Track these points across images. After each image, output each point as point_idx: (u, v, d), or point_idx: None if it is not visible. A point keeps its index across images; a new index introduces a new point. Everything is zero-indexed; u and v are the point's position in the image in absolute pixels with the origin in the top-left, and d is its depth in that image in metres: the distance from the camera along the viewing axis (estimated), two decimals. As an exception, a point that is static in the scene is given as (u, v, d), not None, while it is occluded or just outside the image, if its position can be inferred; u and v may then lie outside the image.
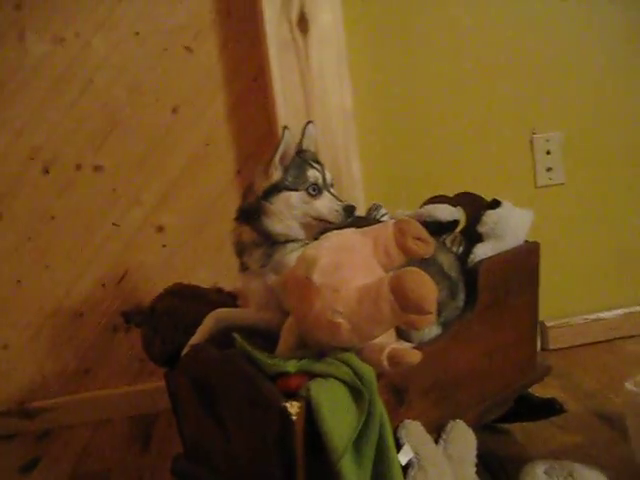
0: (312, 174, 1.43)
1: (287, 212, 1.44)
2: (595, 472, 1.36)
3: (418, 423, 1.32)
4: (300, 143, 1.50)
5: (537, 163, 2.23)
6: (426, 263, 1.39)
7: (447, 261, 1.49)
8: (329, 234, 1.29)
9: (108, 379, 2.17)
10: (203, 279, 2.06)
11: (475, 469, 1.36)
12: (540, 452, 1.62)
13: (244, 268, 1.52)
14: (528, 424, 1.73)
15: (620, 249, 2.31)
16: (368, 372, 1.15)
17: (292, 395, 1.13)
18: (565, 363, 2.16)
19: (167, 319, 1.48)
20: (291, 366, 1.17)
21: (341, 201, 1.44)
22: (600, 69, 2.24)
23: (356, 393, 1.15)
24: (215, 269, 2.11)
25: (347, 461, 1.11)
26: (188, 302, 1.53)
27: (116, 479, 1.78)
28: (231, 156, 2.09)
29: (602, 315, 2.31)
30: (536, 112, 2.22)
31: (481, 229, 1.58)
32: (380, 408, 1.15)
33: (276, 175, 1.45)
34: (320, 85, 1.96)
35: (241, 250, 1.54)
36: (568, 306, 2.30)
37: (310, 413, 1.11)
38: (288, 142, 1.44)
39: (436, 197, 1.80)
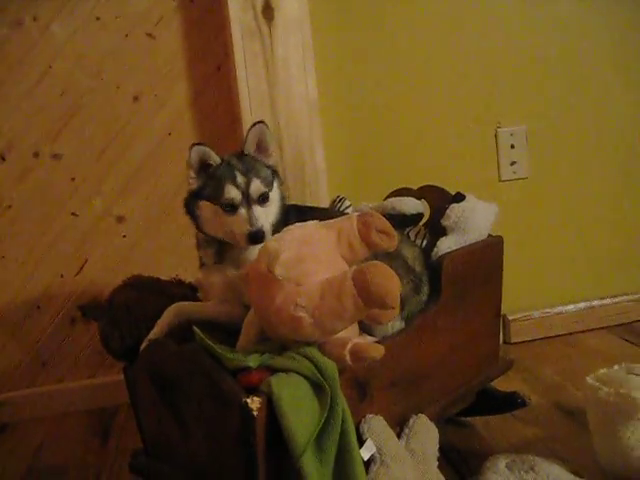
0: (228, 191, 1.37)
1: (210, 221, 1.42)
2: (556, 466, 1.37)
3: (381, 418, 1.31)
4: (243, 147, 1.45)
5: (501, 157, 2.24)
6: (390, 257, 1.38)
7: (411, 254, 1.48)
8: (291, 227, 1.27)
9: (66, 372, 2.12)
10: (165, 270, 2.02)
11: (437, 463, 1.36)
12: (502, 446, 1.62)
13: (202, 263, 1.50)
14: (490, 417, 1.74)
15: (582, 243, 2.34)
16: (330, 367, 1.14)
17: (253, 390, 1.11)
18: (526, 356, 2.18)
19: (125, 313, 1.44)
20: (252, 361, 1.15)
21: (254, 224, 1.35)
22: (564, 62, 2.25)
23: (318, 388, 1.13)
24: (177, 260, 2.08)
25: (308, 458, 1.10)
26: (147, 295, 1.49)
27: (74, 474, 1.74)
28: (194, 146, 2.05)
29: (563, 309, 2.34)
30: (501, 105, 2.22)
31: (445, 222, 1.58)
32: (342, 403, 1.14)
33: (194, 184, 1.43)
34: (285, 74, 1.93)
35: (198, 245, 1.52)
36: (530, 300, 2.32)
37: (271, 409, 1.09)
38: (197, 156, 1.39)
39: (400, 190, 1.79)
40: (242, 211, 1.37)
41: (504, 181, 2.25)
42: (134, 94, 2.03)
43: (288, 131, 1.94)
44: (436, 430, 1.40)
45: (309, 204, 1.81)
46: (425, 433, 1.38)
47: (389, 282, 1.09)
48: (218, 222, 1.41)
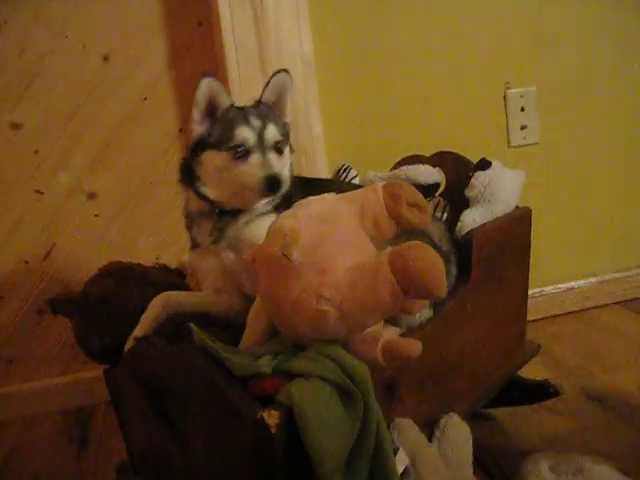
0: (240, 132, 1.20)
1: (214, 176, 1.23)
2: (605, 467, 1.21)
3: (411, 421, 1.13)
4: (261, 94, 1.28)
5: (510, 121, 2.04)
6: (414, 234, 1.19)
7: (437, 231, 1.29)
8: (305, 201, 1.07)
9: (35, 370, 1.90)
10: (143, 253, 1.83)
11: (472, 469, 1.19)
12: (533, 441, 1.47)
13: (195, 244, 1.29)
14: (516, 408, 1.57)
15: (594, 214, 2.17)
16: (360, 369, 0.95)
17: (268, 401, 0.92)
18: (541, 336, 2.00)
19: (104, 307, 1.23)
20: (265, 365, 0.95)
21: (271, 168, 1.19)
22: (577, 20, 2.06)
23: (347, 396, 0.94)
24: (156, 241, 1.87)
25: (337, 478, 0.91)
26: (128, 285, 1.29)
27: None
28: (172, 112, 1.82)
29: (575, 284, 2.18)
30: (510, 64, 2.03)
31: (469, 193, 1.39)
32: (377, 413, 0.95)
33: (198, 129, 1.25)
34: (276, 29, 1.70)
35: (190, 222, 1.31)
36: (540, 275, 2.14)
37: (292, 423, 0.90)
38: (207, 92, 1.22)
39: (411, 157, 1.60)
40: (255, 157, 1.20)
41: (514, 147, 2.06)
42: (103, 54, 1.77)
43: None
44: (469, 431, 1.24)
45: (309, 176, 1.60)
46: (458, 435, 1.22)
47: (434, 268, 0.90)
48: (226, 173, 1.21)
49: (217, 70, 1.80)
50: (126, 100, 1.80)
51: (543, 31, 2.04)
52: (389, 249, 0.93)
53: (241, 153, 1.20)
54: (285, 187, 1.20)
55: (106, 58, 1.77)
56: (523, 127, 2.05)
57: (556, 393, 1.49)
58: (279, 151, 1.23)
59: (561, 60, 2.06)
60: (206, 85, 1.22)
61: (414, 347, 0.96)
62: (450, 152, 1.56)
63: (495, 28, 2.00)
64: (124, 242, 1.85)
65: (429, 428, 1.21)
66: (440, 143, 1.62)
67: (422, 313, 1.19)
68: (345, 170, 1.54)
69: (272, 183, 1.17)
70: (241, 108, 1.24)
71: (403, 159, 1.60)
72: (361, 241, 1.01)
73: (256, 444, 0.91)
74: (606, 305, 2.19)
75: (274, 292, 0.98)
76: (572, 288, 2.17)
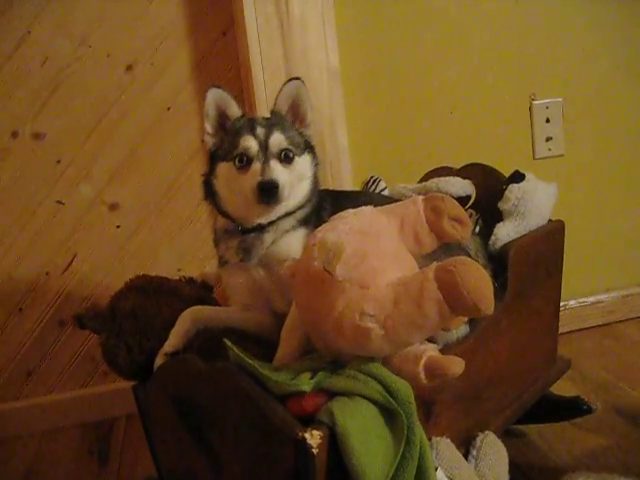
0: (243, 141, 1.17)
1: (226, 188, 1.21)
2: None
3: (448, 441, 1.10)
4: (274, 104, 1.25)
5: (536, 132, 2.02)
6: (451, 248, 1.17)
7: (473, 245, 1.27)
8: (344, 214, 1.05)
9: (54, 382, 1.87)
10: (164, 264, 1.81)
11: (509, 488, 1.16)
12: (565, 459, 1.44)
13: (222, 261, 1.26)
14: (544, 425, 1.54)
15: (621, 227, 2.14)
16: (403, 388, 0.92)
17: (308, 420, 0.89)
18: (566, 350, 1.95)
19: (132, 322, 1.20)
20: (305, 383, 0.92)
21: (266, 174, 1.14)
22: (603, 31, 2.03)
23: (390, 415, 0.91)
24: (178, 252, 1.85)
25: (382, 502, 0.88)
26: (156, 299, 1.25)
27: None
28: (195, 122, 1.79)
29: (599, 298, 2.14)
30: (536, 76, 2.00)
31: (503, 206, 1.37)
32: (420, 433, 0.92)
33: (211, 142, 1.24)
34: (302, 39, 1.68)
35: (217, 239, 1.29)
36: (564, 289, 2.11)
37: (334, 444, 0.87)
38: (214, 103, 1.21)
39: (440, 169, 1.58)
40: (256, 164, 1.16)
41: (538, 159, 2.04)
42: (127, 63, 1.76)
43: (308, 103, 1.70)
44: (505, 449, 1.21)
45: (334, 188, 1.57)
46: (494, 454, 1.19)
47: (484, 284, 0.87)
48: (232, 184, 1.19)
49: (241, 80, 1.78)
50: (149, 110, 1.78)
51: (569, 42, 2.01)
52: (434, 264, 0.91)
53: (243, 163, 1.16)
54: (284, 195, 1.15)
55: (129, 67, 1.75)
56: (548, 139, 2.03)
57: (589, 410, 1.46)
58: (287, 159, 1.18)
59: (587, 71, 2.03)
60: (213, 96, 1.21)
61: (457, 364, 0.93)
62: (480, 164, 1.54)
63: (521, 39, 1.97)
64: (145, 254, 1.82)
65: (464, 446, 1.18)
66: (465, 155, 1.61)
67: (459, 329, 1.16)
68: (374, 182, 1.52)
69: (267, 190, 1.12)
70: (251, 118, 1.22)
71: (432, 171, 1.58)
72: (403, 255, 0.98)
73: (296, 465, 0.88)
74: (630, 319, 2.16)
75: (314, 308, 0.95)
76: (597, 302, 2.14)
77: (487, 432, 1.20)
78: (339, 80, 1.74)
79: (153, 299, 1.24)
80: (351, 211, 1.05)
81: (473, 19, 1.93)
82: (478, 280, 0.87)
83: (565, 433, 1.53)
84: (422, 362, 0.93)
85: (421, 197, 1.04)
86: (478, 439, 1.18)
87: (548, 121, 2.02)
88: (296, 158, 1.20)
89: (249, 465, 0.97)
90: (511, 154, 2.01)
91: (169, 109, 1.79)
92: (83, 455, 1.71)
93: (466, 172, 1.53)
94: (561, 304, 2.05)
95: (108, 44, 1.74)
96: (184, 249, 1.84)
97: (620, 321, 2.15)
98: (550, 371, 1.47)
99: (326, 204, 1.29)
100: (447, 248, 1.12)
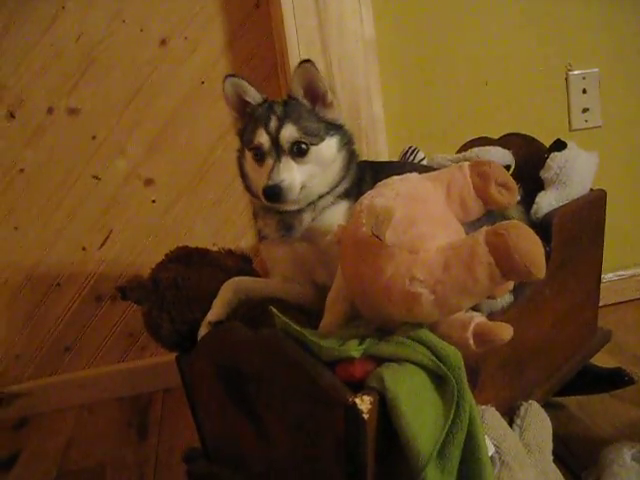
0: (257, 135, 1.16)
1: (250, 174, 1.22)
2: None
3: (494, 409, 1.10)
4: (290, 89, 1.22)
5: (572, 103, 1.98)
6: (493, 216, 1.15)
7: (516, 214, 1.25)
8: (389, 180, 1.04)
9: (92, 357, 1.89)
10: (199, 239, 1.81)
11: (552, 458, 1.15)
12: (607, 431, 1.42)
13: (262, 236, 1.26)
14: (583, 397, 1.52)
15: (659, 199, 2.10)
16: (453, 354, 0.91)
17: (358, 386, 0.89)
18: (605, 323, 1.95)
19: (175, 292, 1.20)
20: (354, 349, 0.92)
21: (273, 177, 1.12)
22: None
23: (440, 381, 0.91)
24: (213, 228, 1.85)
25: (431, 468, 0.87)
26: (198, 270, 1.25)
27: (112, 476, 1.51)
28: (230, 96, 1.79)
29: (638, 271, 2.11)
30: (572, 46, 1.96)
31: (545, 174, 1.35)
32: (470, 398, 0.91)
33: (237, 125, 1.24)
34: (337, 8, 1.66)
35: (255, 215, 1.28)
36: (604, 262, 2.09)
37: (384, 409, 0.87)
38: (231, 91, 1.21)
39: (479, 139, 1.56)
40: (268, 161, 1.15)
41: (575, 130, 2.00)
42: (161, 37, 1.75)
43: (342, 75, 1.68)
44: (548, 419, 1.19)
45: (373, 159, 1.56)
46: (539, 424, 1.18)
47: (536, 248, 0.86)
48: (253, 175, 1.20)
49: (275, 53, 1.77)
50: (183, 84, 1.77)
51: (605, 12, 1.97)
52: (484, 228, 0.90)
53: (258, 157, 1.17)
54: (290, 196, 1.13)
55: (163, 42, 1.75)
56: (585, 110, 1.99)
57: (631, 381, 1.44)
58: (300, 152, 1.15)
59: (624, 41, 1.99)
60: (229, 85, 1.21)
61: (506, 330, 0.92)
62: (519, 134, 1.52)
63: (556, 10, 1.93)
64: (181, 228, 1.83)
65: (508, 415, 1.17)
66: (501, 126, 1.58)
67: (503, 298, 1.15)
68: (413, 152, 1.50)
69: (271, 195, 1.11)
70: (269, 105, 1.20)
71: (471, 141, 1.56)
72: (450, 221, 0.97)
73: (346, 431, 0.88)
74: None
75: (362, 274, 0.95)
76: (635, 275, 2.11)
77: (531, 401, 1.19)
78: (374, 50, 1.72)
79: (195, 270, 1.25)
80: (396, 178, 1.04)
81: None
82: (530, 243, 0.86)
83: (605, 405, 1.51)
84: (471, 328, 0.93)
85: (467, 163, 1.03)
86: (522, 408, 1.17)
87: (585, 92, 1.98)
88: (312, 148, 1.16)
89: (296, 433, 0.97)
90: (547, 125, 1.97)
91: (203, 83, 1.78)
92: (122, 428, 1.73)
93: (505, 142, 1.51)
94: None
95: (141, 19, 1.74)
96: (219, 224, 1.84)
97: (657, 295, 2.12)
98: (591, 342, 1.46)
99: (366, 176, 1.27)
100: (490, 216, 1.10)
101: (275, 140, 1.15)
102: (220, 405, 1.12)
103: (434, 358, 0.91)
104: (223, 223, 1.83)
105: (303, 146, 1.16)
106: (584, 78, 1.97)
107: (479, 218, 1.03)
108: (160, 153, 1.80)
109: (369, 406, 0.86)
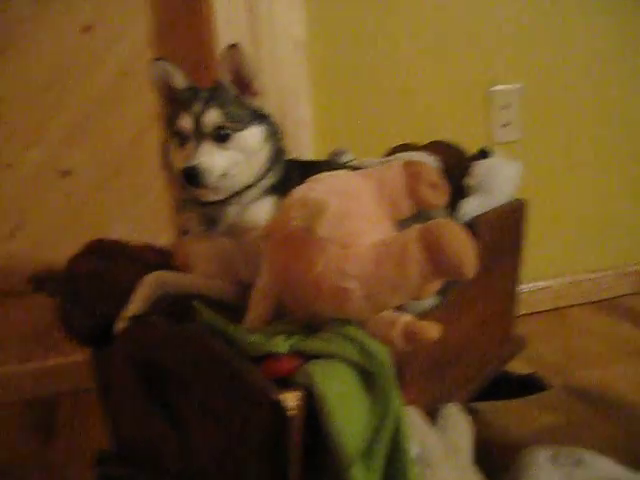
0: (181, 118, 1.13)
1: (173, 159, 1.19)
2: (606, 459, 1.20)
3: (417, 410, 1.09)
4: (219, 74, 1.19)
5: (494, 117, 2.04)
6: (420, 219, 1.16)
7: (443, 217, 1.25)
8: (320, 176, 1.03)
9: (-4, 356, 1.78)
10: (117, 234, 1.71)
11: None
12: (522, 435, 1.45)
13: (184, 231, 1.23)
14: (499, 402, 1.55)
15: (571, 214, 2.18)
16: (381, 351, 0.91)
17: (284, 383, 0.86)
18: (519, 332, 2.01)
19: (91, 285, 1.14)
20: (281, 345, 0.90)
21: (191, 160, 1.10)
22: (561, 17, 2.06)
23: (368, 378, 0.90)
24: (131, 223, 1.77)
25: (358, 468, 0.86)
26: (117, 263, 1.20)
27: (18, 477, 1.42)
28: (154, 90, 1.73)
29: (549, 283, 2.19)
30: (495, 61, 2.01)
31: (470, 181, 1.37)
32: (397, 397, 0.90)
33: (164, 113, 1.21)
34: (268, 10, 1.64)
35: (178, 208, 1.25)
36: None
37: (311, 406, 0.85)
38: (157, 75, 1.19)
39: (404, 145, 1.57)
40: (189, 145, 1.13)
41: (497, 143, 2.04)
42: (84, 24, 1.67)
43: (271, 76, 1.66)
44: (469, 422, 1.21)
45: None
46: (460, 425, 1.19)
47: (467, 247, 0.87)
48: (176, 160, 1.16)
49: (202, 49, 1.73)
50: (106, 74, 1.70)
51: (527, 28, 2.03)
52: (416, 226, 0.90)
53: (180, 141, 1.14)
54: (209, 179, 1.10)
55: (87, 28, 1.67)
56: (506, 124, 2.05)
57: (544, 387, 1.48)
58: (222, 137, 1.13)
59: (544, 58, 2.06)
60: (156, 69, 1.18)
61: (434, 329, 0.93)
62: (444, 141, 1.54)
63: (481, 24, 1.98)
64: (97, 224, 1.74)
65: (430, 417, 1.17)
66: (426, 136, 1.60)
67: (428, 299, 1.16)
68: (341, 154, 1.49)
69: (190, 176, 1.09)
70: (193, 91, 1.17)
71: (397, 146, 1.57)
72: (382, 219, 0.97)
73: (272, 429, 0.86)
74: (577, 305, 2.21)
75: (292, 268, 0.93)
76: (546, 287, 2.18)
77: (451, 404, 1.20)
78: (304, 52, 1.71)
79: (113, 263, 1.19)
80: (327, 174, 1.03)
81: (436, 9, 1.92)
82: (462, 242, 0.86)
83: (518, 411, 1.54)
84: (398, 326, 0.93)
85: (398, 162, 1.03)
86: (444, 410, 1.18)
87: (506, 106, 2.04)
88: (235, 134, 1.14)
89: (220, 432, 0.94)
90: (469, 138, 2.00)
91: (126, 74, 1.71)
92: (26, 432, 1.63)
93: (431, 148, 1.52)
94: (513, 288, 2.13)
95: (65, 2, 1.66)
96: (138, 220, 1.77)
97: (568, 306, 2.20)
98: (508, 348, 1.49)
99: (294, 174, 1.26)
100: (417, 217, 1.11)
101: (198, 124, 1.12)
102: (137, 403, 1.07)
103: (363, 355, 0.90)
104: (142, 219, 1.76)
105: (225, 132, 1.13)
106: (506, 93, 2.03)
107: (406, 219, 1.03)
108: (79, 144, 1.72)
109: (296, 402, 0.84)
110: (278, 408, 0.83)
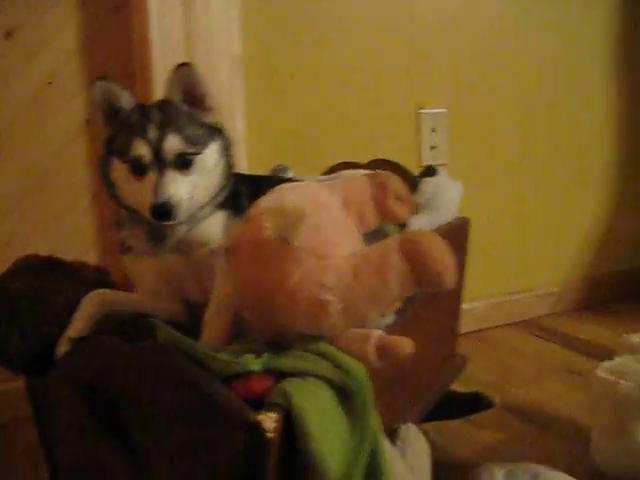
0: (135, 147, 1.06)
1: (126, 187, 1.10)
2: (560, 473, 1.21)
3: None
4: (166, 92, 1.13)
5: (422, 140, 2.07)
6: (376, 235, 1.14)
7: (395, 233, 1.24)
8: (284, 186, 0.99)
9: None
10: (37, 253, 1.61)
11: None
12: (467, 454, 1.45)
13: (126, 247, 1.15)
14: (440, 422, 1.54)
15: (496, 237, 2.24)
16: (357, 368, 0.86)
17: (256, 404, 0.81)
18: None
19: (28, 304, 1.04)
20: (253, 362, 0.84)
21: (160, 194, 1.03)
22: (485, 41, 2.14)
23: (344, 397, 0.85)
24: (52, 243, 1.64)
25: (340, 490, 0.81)
26: (54, 280, 1.10)
27: None
28: (81, 100, 1.63)
29: (473, 305, 2.22)
30: (423, 85, 2.06)
31: (418, 199, 1.37)
32: (375, 416, 0.86)
33: (104, 132, 1.12)
34: (205, 24, 1.59)
35: (118, 224, 1.17)
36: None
37: (287, 428, 0.79)
38: (101, 97, 1.09)
39: (346, 163, 1.56)
40: (151, 175, 1.06)
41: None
42: (6, 28, 1.56)
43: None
44: (426, 441, 1.18)
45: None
46: (419, 445, 1.16)
47: (448, 257, 0.85)
48: (127, 187, 1.09)
49: (133, 61, 1.65)
50: (28, 83, 1.58)
51: (452, 54, 2.09)
52: (395, 236, 0.87)
53: (138, 170, 1.06)
54: (179, 215, 1.05)
55: (9, 33, 1.55)
56: (433, 147, 2.08)
57: (489, 404, 1.48)
58: (185, 164, 1.07)
59: (468, 84, 2.12)
60: (100, 90, 1.09)
61: (408, 344, 0.90)
62: (386, 160, 1.53)
63: (410, 47, 2.02)
64: (15, 242, 1.61)
65: (389, 439, 1.14)
66: (359, 156, 1.60)
67: (387, 317, 1.13)
68: (282, 170, 1.46)
69: (161, 213, 1.03)
70: (144, 112, 1.09)
71: (338, 164, 1.56)
72: (353, 230, 0.94)
73: (246, 453, 0.79)
74: (499, 326, 2.26)
75: (264, 280, 0.88)
76: (471, 309, 2.21)
77: (409, 424, 1.18)
78: (241, 68, 1.67)
79: (50, 280, 1.09)
80: (292, 184, 0.99)
81: (367, 32, 1.95)
82: (443, 251, 0.85)
83: (461, 430, 1.54)
84: (372, 341, 0.89)
85: (363, 174, 1.01)
86: (401, 431, 1.15)
87: (434, 130, 2.07)
88: (196, 158, 1.08)
89: (182, 460, 0.86)
90: (400, 160, 2.03)
91: (50, 83, 1.61)
92: None
93: (372, 166, 1.51)
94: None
95: (-16, 4, 1.55)
96: (60, 238, 1.65)
97: (491, 327, 2.25)
98: (452, 366, 1.49)
99: (242, 188, 1.21)
100: (373, 235, 1.09)
101: (157, 151, 1.05)
102: (81, 434, 0.97)
103: (339, 372, 0.85)
104: (65, 237, 1.64)
105: (187, 158, 1.07)
106: (433, 117, 2.07)
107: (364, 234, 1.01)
108: (-4, 156, 1.60)
109: (274, 424, 0.78)
110: (255, 431, 0.77)
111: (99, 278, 1.20)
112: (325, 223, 0.89)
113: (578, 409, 1.62)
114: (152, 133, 1.06)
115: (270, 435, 0.77)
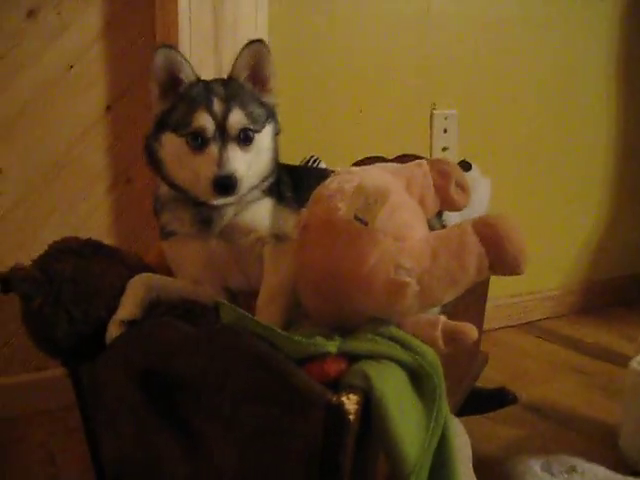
0: (198, 118, 1.03)
1: (177, 163, 1.07)
2: (596, 465, 1.22)
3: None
4: (232, 68, 1.13)
5: (434, 141, 2.07)
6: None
7: (438, 224, 1.24)
8: (352, 169, 0.98)
9: None
10: (52, 238, 1.57)
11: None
12: (491, 449, 1.45)
13: (167, 232, 1.12)
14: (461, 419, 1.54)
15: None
16: (431, 352, 0.86)
17: (333, 386, 0.79)
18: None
19: (74, 287, 1.00)
20: (329, 345, 0.82)
21: (224, 166, 1.01)
22: (495, 44, 2.15)
23: (417, 381, 0.84)
24: (69, 226, 1.59)
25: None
26: (98, 263, 1.07)
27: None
28: (102, 86, 1.59)
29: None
30: (436, 86, 2.06)
31: (453, 193, 1.36)
32: (445, 400, 0.86)
33: (159, 106, 1.10)
34: (233, 12, 1.57)
35: (160, 208, 1.14)
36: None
37: (366, 411, 0.78)
38: (164, 64, 1.07)
39: (373, 157, 1.54)
40: (213, 148, 1.03)
41: (436, 166, 2.08)
42: (29, 8, 1.51)
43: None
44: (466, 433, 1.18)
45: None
46: (460, 437, 1.16)
47: (524, 242, 0.84)
48: (182, 163, 1.06)
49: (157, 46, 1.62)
50: (49, 65, 1.53)
51: (465, 57, 2.10)
52: (470, 219, 0.87)
53: (198, 143, 1.03)
54: (241, 189, 1.04)
55: (31, 13, 1.51)
56: (445, 148, 2.09)
57: (514, 400, 1.49)
58: (246, 140, 1.06)
59: (479, 85, 2.13)
60: (162, 57, 1.07)
61: (473, 330, 0.89)
62: (413, 155, 1.53)
63: (427, 49, 2.01)
64: (29, 226, 1.55)
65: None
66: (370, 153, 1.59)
67: (432, 310, 1.13)
68: (315, 161, 1.45)
69: (224, 186, 1.01)
70: (207, 86, 1.08)
71: (366, 158, 1.54)
72: (421, 212, 0.93)
73: (325, 435, 0.78)
74: (502, 327, 2.28)
75: (337, 262, 0.86)
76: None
77: (451, 415, 1.17)
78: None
79: (95, 263, 1.06)
80: (358, 168, 0.98)
81: (383, 33, 1.94)
82: (520, 234, 0.84)
83: (482, 426, 1.54)
84: (440, 326, 0.88)
85: (425, 160, 1.00)
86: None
87: (445, 131, 2.08)
88: (256, 136, 1.07)
89: (251, 444, 0.84)
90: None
91: (71, 67, 1.56)
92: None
93: (401, 161, 1.50)
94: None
95: (7, -17, 1.50)
96: (73, 226, 1.60)
97: (494, 329, 2.25)
98: (477, 363, 1.49)
99: (284, 177, 1.20)
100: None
101: (221, 124, 1.03)
102: (133, 422, 0.94)
103: (413, 355, 0.84)
104: (76, 226, 1.59)
105: (250, 133, 1.05)
106: (445, 118, 2.08)
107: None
108: (13, 141, 1.54)
109: (354, 406, 0.77)
110: (336, 412, 0.76)
111: (141, 263, 1.17)
112: (400, 205, 0.88)
113: (593, 407, 1.64)
114: (217, 106, 1.04)
115: (351, 417, 0.76)
